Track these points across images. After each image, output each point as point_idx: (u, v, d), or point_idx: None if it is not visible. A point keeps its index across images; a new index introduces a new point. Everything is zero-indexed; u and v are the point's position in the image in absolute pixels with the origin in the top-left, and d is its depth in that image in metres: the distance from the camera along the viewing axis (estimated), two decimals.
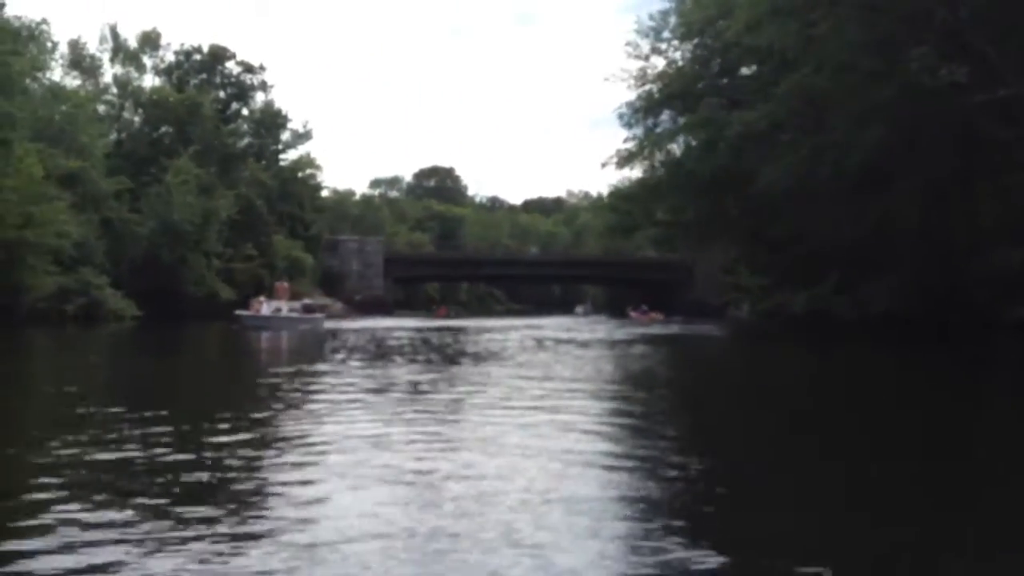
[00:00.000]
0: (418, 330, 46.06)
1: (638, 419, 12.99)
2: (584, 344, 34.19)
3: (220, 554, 6.00)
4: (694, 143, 58.53)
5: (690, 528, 6.76)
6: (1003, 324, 35.22)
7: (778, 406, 15.71)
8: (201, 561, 5.85)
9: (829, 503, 8.01)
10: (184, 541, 6.26)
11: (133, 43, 78.93)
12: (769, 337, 42.85)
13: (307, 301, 59.47)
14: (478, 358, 25.35)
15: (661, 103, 62.13)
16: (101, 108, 72.50)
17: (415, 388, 16.52)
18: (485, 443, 10.33)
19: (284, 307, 53.47)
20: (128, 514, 6.94)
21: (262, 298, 55.04)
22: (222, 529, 6.60)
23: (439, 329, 47.61)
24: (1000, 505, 7.98)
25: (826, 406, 15.89)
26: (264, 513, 7.14)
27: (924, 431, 12.55)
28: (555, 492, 7.81)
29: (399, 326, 52.24)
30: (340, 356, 26.17)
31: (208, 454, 9.56)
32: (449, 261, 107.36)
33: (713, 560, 6.02)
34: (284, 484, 8.20)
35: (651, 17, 61.71)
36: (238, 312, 53.19)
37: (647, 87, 62.11)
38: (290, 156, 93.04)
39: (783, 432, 12.52)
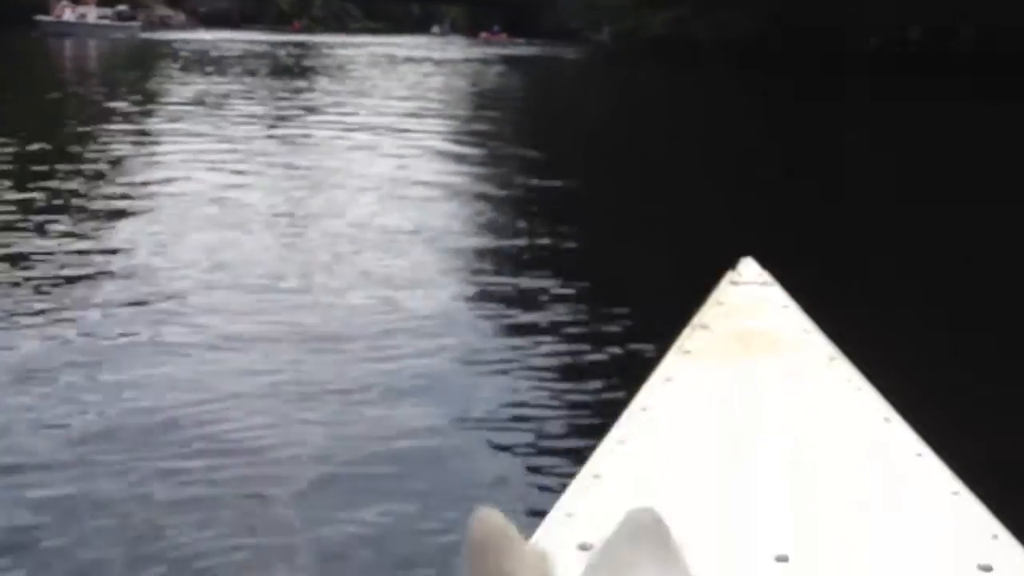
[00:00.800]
0: (268, 44, 43.75)
1: (491, 142, 12.92)
2: (438, 63, 33.45)
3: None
4: None
5: (548, 255, 6.84)
6: (863, 55, 35.97)
7: (624, 127, 15.88)
8: None
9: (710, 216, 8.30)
10: None
11: None
12: (623, 61, 42.76)
13: (121, 8, 54.46)
14: (329, 74, 24.41)
15: None
16: None
17: (252, 110, 15.85)
18: (332, 173, 9.95)
19: (92, 12, 48.64)
20: None
21: (65, 1, 49.42)
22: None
23: (290, 44, 45.43)
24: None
25: (675, 127, 16.15)
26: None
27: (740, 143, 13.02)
28: (399, 223, 7.64)
29: (245, 39, 49.37)
30: (174, 68, 24.74)
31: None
32: None
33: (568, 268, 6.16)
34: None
35: None
36: (38, 17, 47.16)
37: None
38: None
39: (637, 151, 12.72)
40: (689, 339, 2.46)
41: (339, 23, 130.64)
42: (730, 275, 3.05)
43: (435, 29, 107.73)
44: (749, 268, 3.08)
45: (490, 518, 0.76)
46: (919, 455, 1.59)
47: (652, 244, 7.19)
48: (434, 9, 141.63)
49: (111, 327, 4.96)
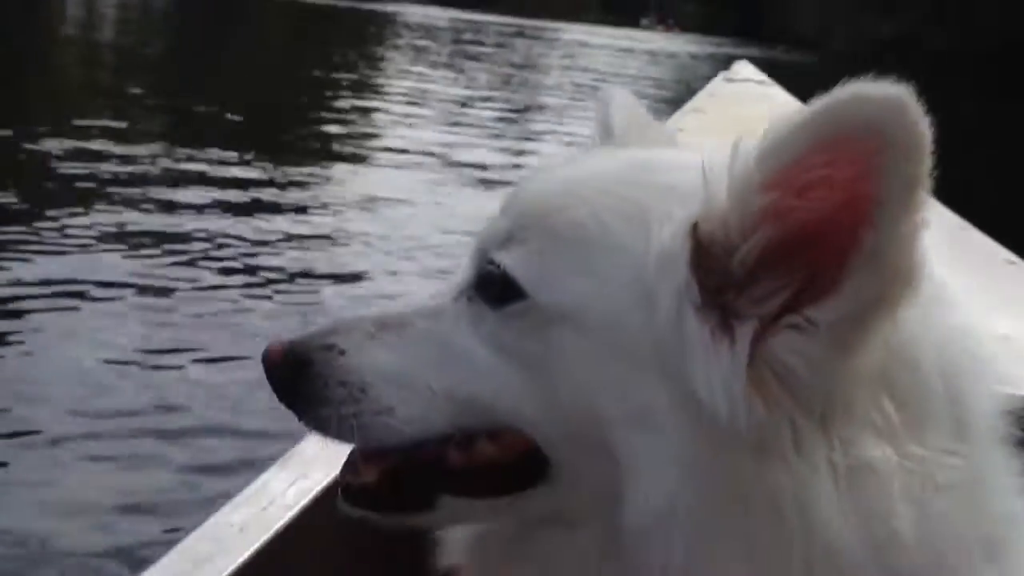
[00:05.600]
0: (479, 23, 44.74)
1: None
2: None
3: None
4: None
5: None
6: None
7: None
8: None
9: None
10: None
11: None
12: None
13: None
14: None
15: None
16: None
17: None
18: None
19: None
20: None
21: None
22: None
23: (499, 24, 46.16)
24: None
25: None
26: None
27: None
28: None
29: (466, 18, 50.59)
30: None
31: None
32: None
33: None
34: None
35: None
36: None
37: None
38: None
39: None
40: (681, 120, 2.73)
41: (574, 14, 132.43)
42: (723, 74, 3.25)
43: (644, 22, 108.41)
44: (745, 69, 3.32)
45: (626, 98, 1.18)
46: None
47: None
48: (668, 3, 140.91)
49: None
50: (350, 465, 1.10)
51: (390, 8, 53.75)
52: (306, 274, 6.43)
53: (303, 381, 1.04)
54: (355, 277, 6.67)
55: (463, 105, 15.46)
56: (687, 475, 0.91)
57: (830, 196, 0.85)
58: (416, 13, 52.73)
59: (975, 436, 0.95)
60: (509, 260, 1.00)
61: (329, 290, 6.28)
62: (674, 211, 0.96)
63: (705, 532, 0.91)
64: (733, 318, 0.91)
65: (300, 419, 1.06)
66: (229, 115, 11.89)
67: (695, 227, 0.93)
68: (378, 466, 1.07)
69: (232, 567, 1.29)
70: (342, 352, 1.04)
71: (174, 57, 17.64)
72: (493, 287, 1.02)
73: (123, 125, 10.35)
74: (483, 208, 8.10)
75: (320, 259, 6.81)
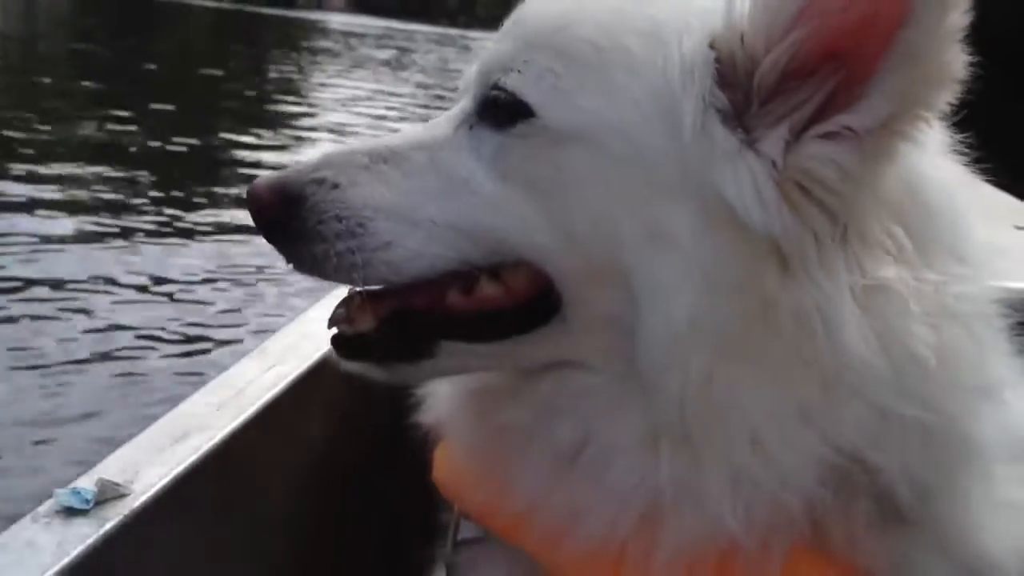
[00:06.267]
0: (409, 33, 44.58)
1: None
2: None
3: None
4: None
5: None
6: None
7: None
8: None
9: None
10: None
11: None
12: None
13: None
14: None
15: None
16: None
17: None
18: None
19: None
20: None
21: None
22: None
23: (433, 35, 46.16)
24: None
25: None
26: None
27: None
28: None
29: (391, 26, 50.56)
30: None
31: None
32: None
33: None
34: None
35: None
36: None
37: None
38: None
39: None
40: None
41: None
42: None
43: None
44: None
45: None
46: None
47: None
48: None
49: None
50: (342, 314, 1.04)
51: (315, 16, 53.49)
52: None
53: (295, 218, 0.97)
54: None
55: (384, 116, 15.38)
56: (709, 292, 0.89)
57: None
58: (344, 21, 52.60)
59: (977, 270, 0.96)
60: (516, 81, 0.96)
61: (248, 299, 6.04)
62: (691, 23, 0.93)
63: (726, 350, 0.89)
64: (760, 127, 0.89)
65: (289, 261, 1.00)
66: (147, 133, 11.55)
67: (716, 39, 0.91)
68: (374, 313, 1.01)
69: (209, 445, 1.24)
70: (335, 186, 0.98)
71: (84, 66, 17.10)
72: (499, 112, 0.97)
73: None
74: None
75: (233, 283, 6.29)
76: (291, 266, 1.00)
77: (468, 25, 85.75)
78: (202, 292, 5.78)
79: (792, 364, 0.88)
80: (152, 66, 17.69)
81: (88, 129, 10.33)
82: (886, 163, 0.87)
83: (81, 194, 7.59)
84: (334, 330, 1.04)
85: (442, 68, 26.33)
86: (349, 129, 12.81)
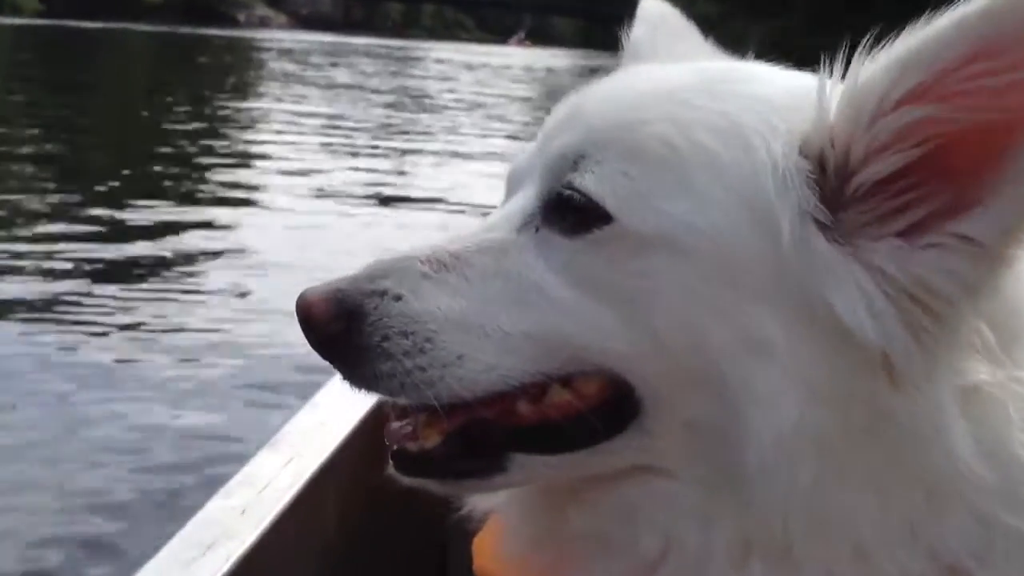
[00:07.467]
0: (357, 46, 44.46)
1: None
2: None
3: None
4: None
5: None
6: None
7: None
8: None
9: None
10: None
11: None
12: None
13: None
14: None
15: None
16: None
17: None
18: None
19: None
20: None
21: None
22: None
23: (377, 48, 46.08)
24: None
25: None
26: None
27: None
28: None
29: (339, 41, 50.24)
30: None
31: None
32: None
33: None
34: None
35: None
36: None
37: None
38: None
39: None
40: None
41: (449, 32, 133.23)
42: None
43: (512, 40, 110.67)
44: None
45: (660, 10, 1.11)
46: None
47: None
48: (542, 21, 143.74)
49: None
50: (407, 431, 0.98)
51: (259, 35, 53.21)
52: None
53: (356, 334, 0.91)
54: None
55: (331, 127, 15.25)
56: (814, 400, 0.85)
57: (987, 103, 0.80)
58: (284, 38, 52.29)
59: None
60: (590, 183, 0.90)
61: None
62: (773, 123, 0.89)
63: (832, 459, 0.86)
64: (862, 235, 0.85)
65: (347, 378, 0.95)
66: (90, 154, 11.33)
67: (805, 142, 0.87)
68: (441, 430, 0.96)
69: (241, 551, 1.19)
70: (398, 297, 0.92)
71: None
72: (570, 214, 0.91)
73: None
74: (345, 228, 8.07)
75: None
76: (351, 382, 0.95)
77: (414, 36, 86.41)
78: None
79: (898, 473, 0.85)
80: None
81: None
82: (1005, 272, 0.84)
83: None
84: (394, 446, 0.98)
85: (398, 86, 26.16)
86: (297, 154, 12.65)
